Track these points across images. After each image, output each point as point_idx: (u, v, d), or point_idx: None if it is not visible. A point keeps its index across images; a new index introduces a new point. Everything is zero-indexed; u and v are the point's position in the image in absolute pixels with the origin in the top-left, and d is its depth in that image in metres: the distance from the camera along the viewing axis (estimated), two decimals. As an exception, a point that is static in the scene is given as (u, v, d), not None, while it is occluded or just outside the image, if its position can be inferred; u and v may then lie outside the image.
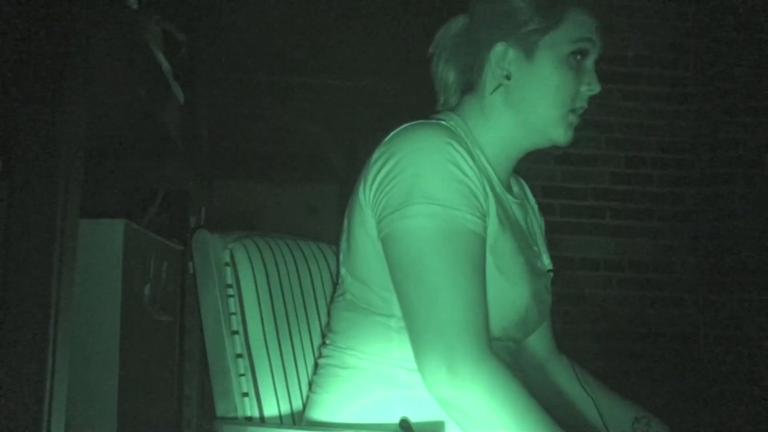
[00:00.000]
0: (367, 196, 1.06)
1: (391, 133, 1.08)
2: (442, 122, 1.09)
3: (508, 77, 1.10)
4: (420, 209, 0.98)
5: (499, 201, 1.10)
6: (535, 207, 1.32)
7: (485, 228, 1.02)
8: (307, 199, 2.85)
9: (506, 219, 1.10)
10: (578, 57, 1.09)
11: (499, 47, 1.10)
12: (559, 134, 1.11)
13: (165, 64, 1.37)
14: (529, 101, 1.10)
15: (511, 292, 1.06)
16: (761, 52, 3.06)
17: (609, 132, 3.07)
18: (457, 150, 1.02)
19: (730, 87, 3.06)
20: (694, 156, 3.10)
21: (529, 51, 1.08)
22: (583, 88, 1.10)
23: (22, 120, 0.76)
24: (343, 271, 1.15)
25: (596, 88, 1.10)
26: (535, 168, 3.02)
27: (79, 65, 0.80)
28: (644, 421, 1.23)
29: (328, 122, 2.89)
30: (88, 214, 1.19)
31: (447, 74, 1.18)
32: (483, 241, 1.01)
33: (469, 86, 1.16)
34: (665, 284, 3.04)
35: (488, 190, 1.06)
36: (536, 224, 1.29)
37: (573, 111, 1.11)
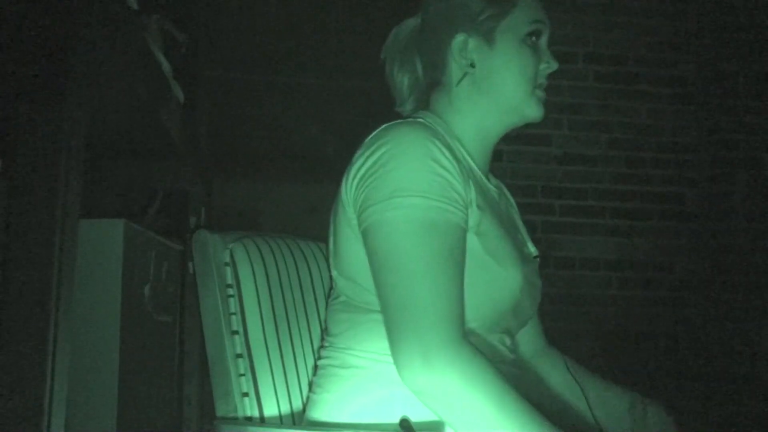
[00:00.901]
0: (349, 193, 1.08)
1: (372, 133, 1.09)
2: (420, 120, 1.11)
3: (472, 65, 1.14)
4: (399, 202, 0.99)
5: (480, 190, 1.11)
6: (512, 199, 1.35)
7: (466, 220, 1.04)
8: (307, 199, 2.85)
9: (488, 206, 1.11)
10: (533, 38, 1.14)
11: (459, 38, 1.13)
12: (532, 110, 1.15)
13: (165, 64, 1.37)
14: (496, 85, 1.14)
15: (503, 276, 1.06)
16: (761, 52, 3.06)
17: (609, 132, 3.07)
18: (435, 145, 1.03)
19: (731, 87, 3.06)
20: (694, 156, 3.10)
21: (488, 37, 1.13)
22: (542, 66, 1.16)
23: (22, 120, 0.76)
24: (334, 273, 1.15)
25: (554, 65, 1.17)
26: (535, 168, 3.02)
27: (79, 65, 0.80)
28: (640, 407, 1.23)
29: (328, 122, 2.89)
30: (88, 214, 1.19)
31: (402, 78, 1.21)
32: (463, 232, 1.02)
33: (435, 83, 1.19)
34: (665, 284, 3.04)
35: (470, 180, 1.07)
36: (515, 213, 1.31)
37: (537, 87, 1.16)
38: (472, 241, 1.05)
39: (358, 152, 1.09)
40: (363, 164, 1.05)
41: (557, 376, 1.32)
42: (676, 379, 2.96)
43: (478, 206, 1.07)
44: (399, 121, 1.10)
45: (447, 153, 1.04)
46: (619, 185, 3.06)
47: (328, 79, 2.92)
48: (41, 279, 0.75)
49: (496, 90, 1.14)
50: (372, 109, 2.82)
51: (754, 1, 3.05)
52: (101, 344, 1.26)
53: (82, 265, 1.18)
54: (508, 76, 1.14)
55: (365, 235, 1.03)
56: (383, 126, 1.10)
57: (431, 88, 1.21)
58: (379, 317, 1.06)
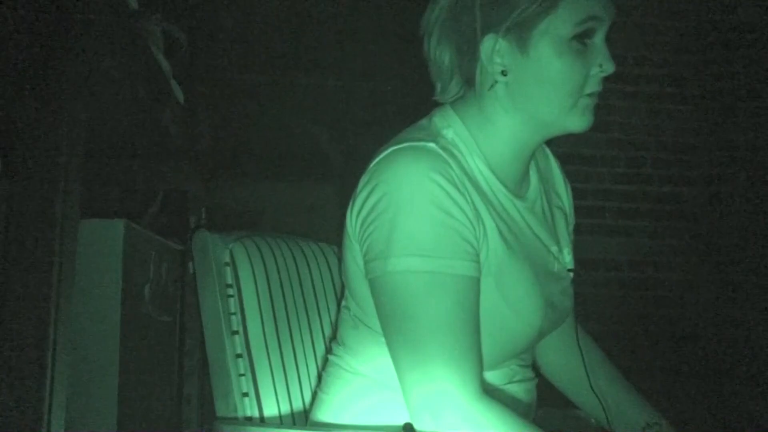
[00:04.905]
0: (354, 228, 1.02)
1: (378, 157, 1.00)
2: (429, 145, 0.97)
3: (503, 73, 0.98)
4: (397, 263, 0.93)
5: (504, 218, 1.03)
6: (561, 188, 1.22)
7: (477, 267, 0.96)
8: (307, 199, 2.85)
9: (514, 237, 1.03)
10: (584, 39, 0.96)
11: (487, 42, 0.97)
12: (574, 123, 1.00)
13: (165, 64, 1.37)
14: (530, 98, 0.99)
15: (517, 323, 1.01)
16: (762, 52, 3.06)
17: (609, 132, 3.07)
18: (440, 185, 0.93)
19: (730, 87, 3.06)
20: (694, 156, 3.10)
21: (522, 42, 0.96)
22: (594, 71, 0.98)
23: (22, 120, 0.76)
24: (346, 289, 1.13)
25: (609, 68, 0.98)
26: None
27: (79, 65, 0.80)
28: (656, 428, 1.20)
29: (328, 122, 2.89)
30: (88, 214, 1.19)
31: (442, 56, 1.03)
32: (474, 281, 0.95)
33: (469, 75, 1.03)
34: (665, 284, 3.04)
35: (484, 212, 0.99)
36: (559, 214, 1.18)
37: (589, 95, 1.00)
38: (488, 286, 0.98)
39: (363, 180, 1.01)
40: (364, 203, 0.98)
41: (580, 376, 1.26)
42: (675, 379, 2.96)
43: (504, 240, 0.99)
44: (404, 146, 0.97)
45: (453, 192, 0.94)
46: (619, 185, 3.06)
47: (328, 79, 2.92)
48: (41, 279, 0.75)
49: (529, 104, 0.99)
50: (372, 109, 2.82)
51: (754, 1, 3.05)
52: (101, 344, 1.26)
53: (82, 265, 1.18)
54: (544, 90, 0.97)
55: (371, 285, 0.99)
56: (389, 150, 0.98)
57: (466, 77, 1.04)
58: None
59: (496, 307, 0.99)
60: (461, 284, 0.94)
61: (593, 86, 0.99)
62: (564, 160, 3.35)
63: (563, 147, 3.04)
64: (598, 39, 0.98)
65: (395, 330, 0.95)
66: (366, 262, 0.99)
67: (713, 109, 3.07)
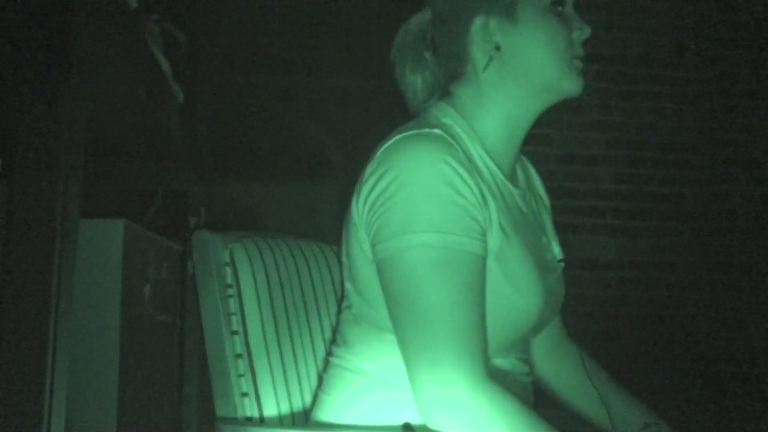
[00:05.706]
0: (361, 215, 1.03)
1: (384, 145, 1.03)
2: (436, 131, 1.01)
3: (497, 48, 1.06)
4: (412, 239, 0.94)
5: (501, 204, 1.06)
6: (541, 189, 1.29)
7: (485, 247, 0.99)
8: (307, 199, 2.85)
9: (511, 222, 1.05)
10: (558, 8, 1.06)
11: (478, 22, 1.05)
12: (570, 84, 1.07)
13: (165, 64, 1.37)
14: (528, 63, 1.05)
15: (522, 303, 1.02)
16: (761, 52, 3.06)
17: (609, 132, 3.07)
18: (451, 166, 0.97)
19: (730, 87, 3.06)
20: (694, 156, 3.10)
21: (510, 14, 1.05)
22: (575, 34, 1.07)
23: (22, 120, 0.76)
24: (348, 285, 1.13)
25: (587, 31, 1.07)
26: (535, 168, 3.02)
27: (79, 65, 0.80)
28: (654, 428, 1.20)
29: (328, 122, 2.89)
30: (88, 214, 1.19)
31: (415, 79, 1.13)
32: (482, 261, 0.98)
33: (455, 75, 1.11)
34: (665, 284, 3.04)
35: (488, 196, 1.02)
36: (544, 210, 1.24)
37: (575, 58, 1.07)
38: (492, 267, 1.00)
39: (369, 168, 1.03)
40: (373, 188, 1.00)
41: (574, 377, 1.27)
42: (675, 379, 2.96)
43: (502, 228, 1.02)
44: (412, 133, 1.01)
45: (464, 173, 0.97)
46: (619, 185, 3.07)
47: (328, 79, 2.92)
48: (41, 279, 0.75)
49: (528, 68, 1.06)
50: (372, 109, 2.82)
51: (754, 1, 3.05)
52: (101, 344, 1.26)
53: (82, 265, 1.18)
54: (539, 50, 1.05)
55: (379, 268, 1.00)
56: (396, 137, 1.01)
57: (451, 80, 1.12)
58: (390, 337, 1.03)
59: (502, 288, 1.01)
60: (470, 265, 0.96)
61: (578, 50, 1.08)
62: (564, 160, 3.36)
63: (563, 147, 3.04)
64: (568, 8, 1.08)
65: (404, 311, 0.96)
66: (374, 245, 1.00)
67: (713, 109, 3.08)
